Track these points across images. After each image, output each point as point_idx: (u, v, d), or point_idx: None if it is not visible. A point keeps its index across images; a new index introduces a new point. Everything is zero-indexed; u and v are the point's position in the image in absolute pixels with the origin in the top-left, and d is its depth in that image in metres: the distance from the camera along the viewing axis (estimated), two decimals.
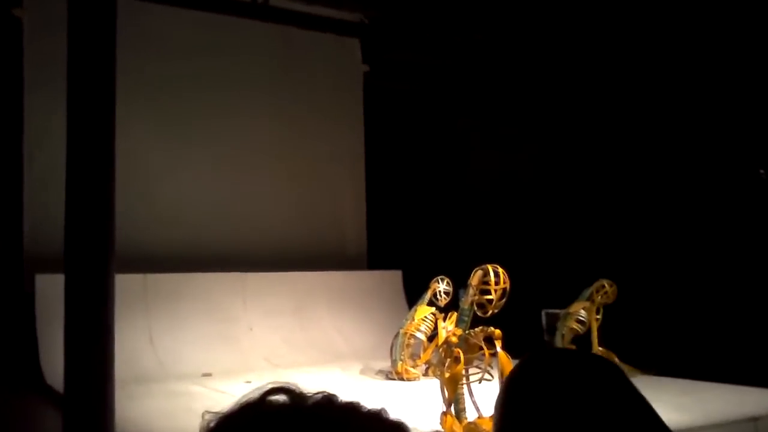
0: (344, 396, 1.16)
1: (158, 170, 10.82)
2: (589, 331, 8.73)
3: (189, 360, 9.45)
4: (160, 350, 9.48)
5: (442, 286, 9.32)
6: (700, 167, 10.26)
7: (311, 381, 7.02)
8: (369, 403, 1.17)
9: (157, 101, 10.85)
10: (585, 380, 1.45)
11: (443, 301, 9.17)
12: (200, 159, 11.10)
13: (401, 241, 12.40)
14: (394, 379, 8.94)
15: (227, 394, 7.64)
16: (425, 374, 9.01)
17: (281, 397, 1.12)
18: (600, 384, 1.45)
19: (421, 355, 9.16)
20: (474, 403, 6.26)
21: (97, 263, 5.39)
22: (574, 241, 11.49)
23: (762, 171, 9.24)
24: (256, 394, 1.14)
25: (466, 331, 6.25)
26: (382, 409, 1.16)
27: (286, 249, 11.54)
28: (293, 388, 1.15)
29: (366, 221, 12.45)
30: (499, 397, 1.53)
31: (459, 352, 6.04)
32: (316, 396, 1.14)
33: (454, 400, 6.15)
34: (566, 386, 1.44)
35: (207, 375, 9.13)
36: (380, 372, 9.41)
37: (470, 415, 6.17)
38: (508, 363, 5.91)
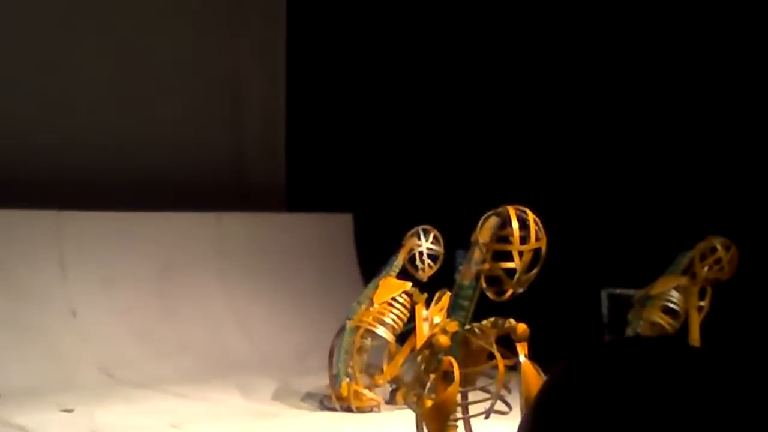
0: None
1: None
2: (684, 328, 7.21)
3: None
4: None
5: (425, 245, 7.68)
6: None
7: (181, 414, 6.66)
8: None
9: None
10: (680, 391, 1.14)
11: (426, 271, 7.67)
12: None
13: (349, 170, 10.14)
14: (333, 409, 7.28)
15: None
16: (390, 401, 7.49)
17: None
18: (707, 394, 1.14)
19: (385, 368, 7.60)
20: None
21: None
22: (660, 175, 8.75)
23: None
24: None
25: (467, 326, 5.37)
26: None
27: (148, 176, 9.32)
28: None
29: (285, 137, 10.54)
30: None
31: (452, 363, 5.16)
32: None
33: None
34: (646, 402, 1.12)
35: None
36: (310, 396, 7.72)
37: None
38: (538, 382, 5.08)
